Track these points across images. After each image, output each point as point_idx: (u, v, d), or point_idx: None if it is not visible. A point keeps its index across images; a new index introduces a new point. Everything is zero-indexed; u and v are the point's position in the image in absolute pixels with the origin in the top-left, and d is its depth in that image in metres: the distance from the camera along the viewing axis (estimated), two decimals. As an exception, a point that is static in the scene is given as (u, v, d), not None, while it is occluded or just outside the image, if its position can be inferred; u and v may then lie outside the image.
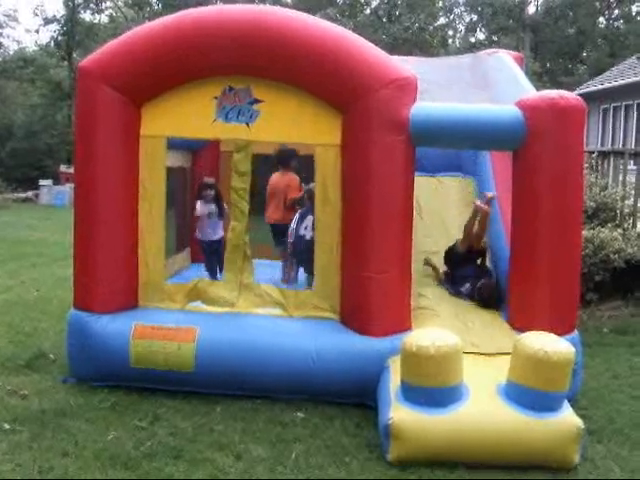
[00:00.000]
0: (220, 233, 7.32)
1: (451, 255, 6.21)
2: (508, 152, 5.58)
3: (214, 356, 5.25)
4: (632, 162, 10.47)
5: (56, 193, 25.75)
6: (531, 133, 5.12)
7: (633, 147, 16.60)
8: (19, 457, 4.27)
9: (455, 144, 5.93)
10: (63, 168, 27.59)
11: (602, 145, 19.34)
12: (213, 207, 7.30)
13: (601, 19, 37.66)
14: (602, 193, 9.11)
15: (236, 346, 5.25)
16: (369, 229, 5.18)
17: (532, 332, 4.62)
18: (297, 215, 6.82)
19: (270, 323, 5.46)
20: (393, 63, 5.28)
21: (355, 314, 5.32)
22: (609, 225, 8.65)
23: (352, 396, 5.17)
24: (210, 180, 7.58)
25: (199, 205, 7.31)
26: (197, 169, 8.12)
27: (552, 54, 37.22)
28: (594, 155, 10.03)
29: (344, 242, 5.38)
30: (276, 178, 7.67)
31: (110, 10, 38.71)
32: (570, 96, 5.22)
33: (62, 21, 35.16)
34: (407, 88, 5.18)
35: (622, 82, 18.32)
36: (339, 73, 5.11)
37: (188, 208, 8.02)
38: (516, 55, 7.78)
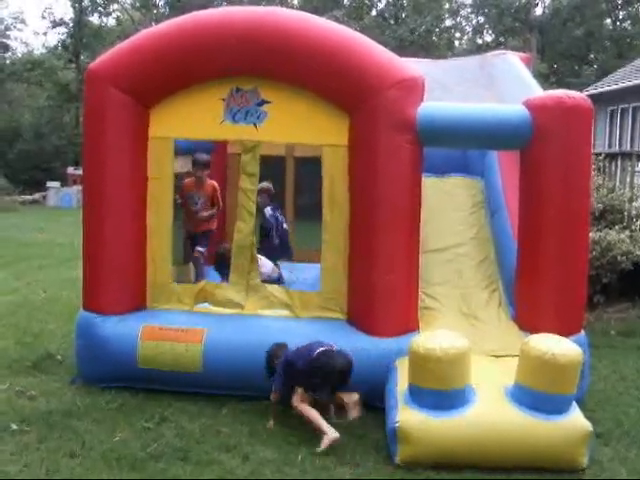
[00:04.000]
0: None
1: None
2: (515, 152, 5.57)
3: (222, 357, 5.25)
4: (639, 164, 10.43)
5: (63, 195, 25.87)
6: (538, 132, 5.12)
7: (640, 149, 16.55)
8: (27, 458, 4.28)
9: (462, 144, 5.93)
10: (70, 170, 27.72)
11: (609, 147, 19.28)
12: None
13: (608, 20, 37.56)
14: (609, 195, 9.08)
15: (243, 347, 5.24)
16: (376, 229, 5.18)
17: (539, 334, 4.61)
18: None
19: (277, 324, 5.47)
20: (400, 63, 5.28)
21: (362, 314, 5.32)
22: (616, 227, 8.62)
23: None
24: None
25: None
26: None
27: (559, 56, 37.13)
28: (601, 157, 10.00)
29: (351, 242, 5.38)
30: None
31: (117, 12, 38.87)
32: (577, 95, 5.22)
33: (70, 24, 35.36)
34: (414, 88, 5.18)
35: (629, 83, 18.26)
36: (346, 74, 5.12)
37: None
38: (524, 56, 7.77)
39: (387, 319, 5.22)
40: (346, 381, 4.77)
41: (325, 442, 4.45)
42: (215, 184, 7.61)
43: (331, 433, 4.47)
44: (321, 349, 4.77)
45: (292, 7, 32.44)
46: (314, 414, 4.61)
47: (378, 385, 5.00)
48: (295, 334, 5.32)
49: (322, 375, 4.67)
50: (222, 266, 6.46)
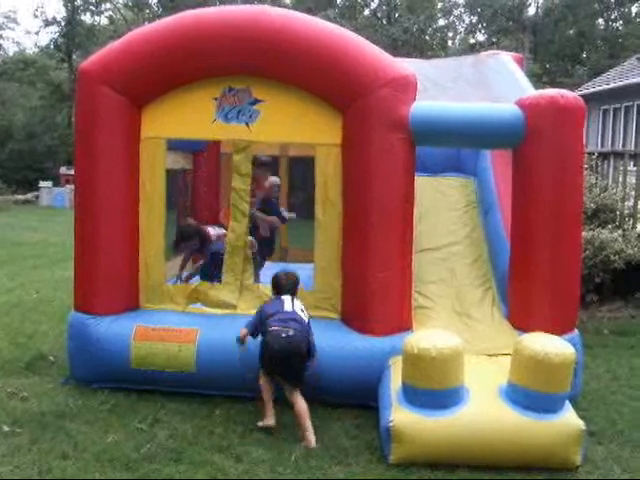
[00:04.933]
0: None
1: None
2: (508, 151, 5.58)
3: (215, 357, 5.23)
4: (632, 163, 10.46)
5: (56, 195, 25.83)
6: (531, 131, 5.12)
7: (633, 148, 16.60)
8: (19, 459, 4.25)
9: (455, 143, 5.93)
10: (63, 170, 27.67)
11: (602, 146, 19.34)
12: None
13: (600, 20, 37.68)
14: (602, 194, 9.11)
15: (237, 347, 5.22)
16: (369, 228, 5.18)
17: (533, 333, 4.62)
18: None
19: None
20: (392, 62, 5.27)
21: (356, 313, 5.32)
22: (609, 226, 8.64)
23: (353, 396, 5.16)
24: None
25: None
26: (198, 171, 8.11)
27: (551, 55, 37.21)
28: (594, 156, 10.02)
29: (344, 241, 5.37)
30: None
31: (110, 12, 38.79)
32: (570, 95, 5.22)
33: (62, 23, 35.26)
34: (407, 87, 5.18)
35: (622, 83, 18.32)
36: (339, 72, 5.11)
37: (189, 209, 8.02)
38: (517, 56, 7.77)
39: (380, 318, 5.22)
40: (278, 370, 4.77)
41: (262, 423, 4.76)
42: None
43: (268, 419, 4.75)
44: (273, 329, 4.75)
45: (285, 6, 32.41)
46: (266, 394, 4.81)
47: (371, 384, 4.99)
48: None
49: (261, 353, 4.79)
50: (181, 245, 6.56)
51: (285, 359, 4.70)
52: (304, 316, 4.95)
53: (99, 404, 5.16)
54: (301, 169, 7.36)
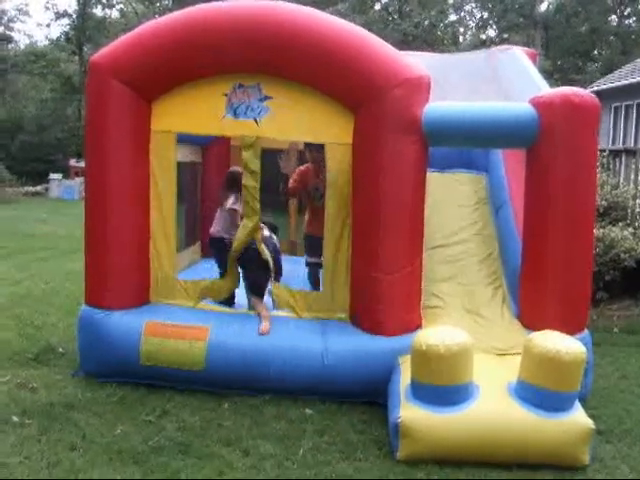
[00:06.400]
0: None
1: None
2: (521, 149, 5.54)
3: (225, 355, 5.22)
4: (643, 161, 10.40)
5: (66, 187, 25.90)
6: (545, 130, 5.07)
7: (644, 146, 16.50)
8: (27, 450, 4.27)
9: (468, 143, 5.87)
10: (73, 162, 27.74)
11: (613, 144, 19.22)
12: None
13: (613, 17, 37.43)
14: (613, 192, 9.07)
15: (247, 346, 5.22)
16: (380, 228, 5.15)
17: (543, 331, 4.60)
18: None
19: (281, 323, 5.44)
20: (406, 62, 5.21)
21: (365, 313, 5.29)
22: (620, 224, 8.61)
23: (363, 395, 5.16)
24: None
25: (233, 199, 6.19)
26: (207, 164, 8.12)
27: (563, 52, 37.00)
28: (605, 153, 9.97)
29: (354, 241, 5.35)
30: None
31: (121, 5, 38.83)
32: (584, 93, 5.16)
33: (73, 15, 35.36)
34: (420, 87, 5.13)
35: (634, 80, 18.17)
36: (351, 71, 5.06)
37: (198, 202, 8.04)
38: (529, 51, 7.69)
39: (390, 318, 5.19)
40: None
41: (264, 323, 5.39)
42: None
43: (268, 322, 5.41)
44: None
45: (297, 1, 32.34)
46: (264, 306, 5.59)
47: (382, 384, 4.98)
48: (298, 333, 5.32)
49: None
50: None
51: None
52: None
53: (107, 396, 5.18)
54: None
